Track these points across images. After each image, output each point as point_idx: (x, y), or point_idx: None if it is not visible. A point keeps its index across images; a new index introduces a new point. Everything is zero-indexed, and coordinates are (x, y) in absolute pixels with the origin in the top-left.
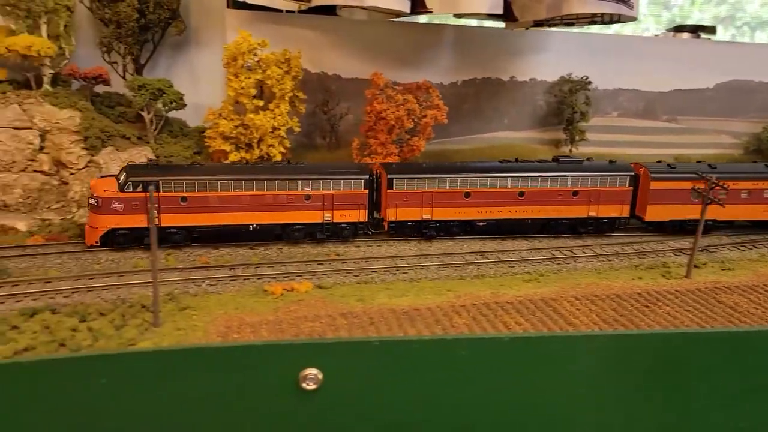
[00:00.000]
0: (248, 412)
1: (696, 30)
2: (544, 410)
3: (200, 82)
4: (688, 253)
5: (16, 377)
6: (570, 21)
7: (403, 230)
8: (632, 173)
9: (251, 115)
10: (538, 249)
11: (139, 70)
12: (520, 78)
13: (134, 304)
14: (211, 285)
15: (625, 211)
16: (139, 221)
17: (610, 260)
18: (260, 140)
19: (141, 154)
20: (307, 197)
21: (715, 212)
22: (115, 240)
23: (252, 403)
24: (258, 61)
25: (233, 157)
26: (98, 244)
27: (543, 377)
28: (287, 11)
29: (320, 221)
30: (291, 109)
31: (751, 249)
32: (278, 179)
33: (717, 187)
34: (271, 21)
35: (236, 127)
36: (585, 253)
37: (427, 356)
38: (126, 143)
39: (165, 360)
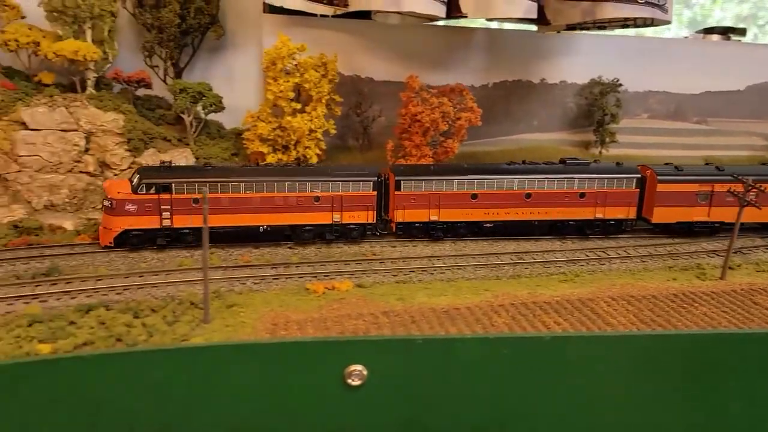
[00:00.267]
0: (295, 406)
1: (726, 32)
2: (583, 408)
3: (235, 85)
4: (722, 254)
5: (83, 369)
6: (602, 24)
7: (411, 231)
8: (639, 175)
9: (289, 118)
10: (572, 250)
11: (178, 74)
12: (551, 80)
13: (183, 301)
14: (255, 283)
15: (631, 212)
16: (151, 222)
17: (644, 261)
18: (297, 142)
19: (181, 156)
20: (317, 199)
21: (723, 215)
22: (128, 241)
23: (299, 397)
24: (296, 65)
25: (270, 158)
26: (112, 245)
27: (582, 376)
28: (321, 15)
29: (329, 222)
30: (327, 112)
31: None
32: (288, 181)
33: (753, 190)
34: (305, 25)
35: (274, 129)
36: (619, 254)
37: (470, 354)
38: (167, 145)
39: (217, 355)
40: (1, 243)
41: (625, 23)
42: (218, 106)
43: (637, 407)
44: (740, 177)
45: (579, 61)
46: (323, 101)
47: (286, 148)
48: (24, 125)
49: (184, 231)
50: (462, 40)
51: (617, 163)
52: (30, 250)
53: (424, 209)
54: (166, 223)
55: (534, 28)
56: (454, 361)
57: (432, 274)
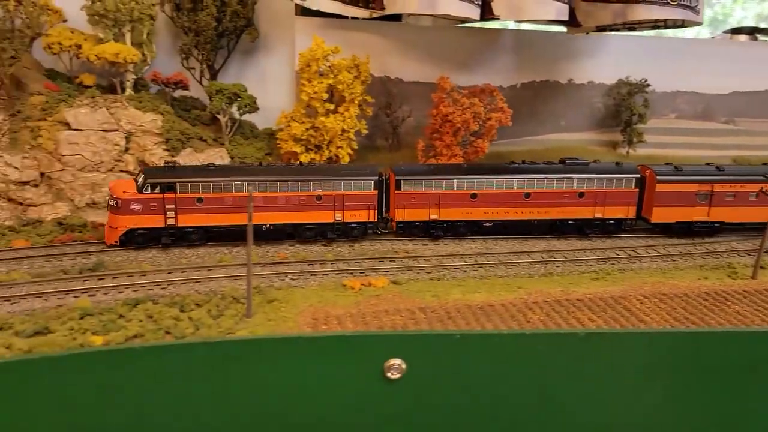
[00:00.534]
0: (337, 398)
1: (753, 32)
2: (619, 403)
3: (267, 86)
4: (753, 254)
5: (130, 360)
6: (632, 26)
7: (411, 230)
8: (638, 175)
9: (322, 118)
10: (602, 249)
11: (213, 76)
12: (578, 81)
13: (225, 296)
14: (294, 279)
15: (631, 212)
16: (156, 221)
17: (674, 260)
18: (330, 142)
19: (217, 155)
20: (319, 198)
21: (723, 215)
22: (133, 239)
23: (340, 389)
24: (330, 67)
25: (304, 158)
26: (117, 244)
27: (618, 371)
28: (352, 18)
29: (331, 221)
30: (359, 112)
31: None
32: (290, 181)
33: None
34: (336, 27)
35: (307, 129)
36: (648, 253)
37: (506, 350)
38: (203, 145)
39: (262, 348)
40: (46, 239)
41: (655, 25)
42: (253, 106)
43: (675, 402)
44: None
45: (607, 62)
46: (356, 102)
47: (318, 148)
48: (67, 125)
49: (188, 230)
50: (490, 41)
51: (617, 163)
52: (75, 246)
53: (424, 208)
54: (171, 222)
55: (563, 29)
56: (491, 355)
57: (465, 271)
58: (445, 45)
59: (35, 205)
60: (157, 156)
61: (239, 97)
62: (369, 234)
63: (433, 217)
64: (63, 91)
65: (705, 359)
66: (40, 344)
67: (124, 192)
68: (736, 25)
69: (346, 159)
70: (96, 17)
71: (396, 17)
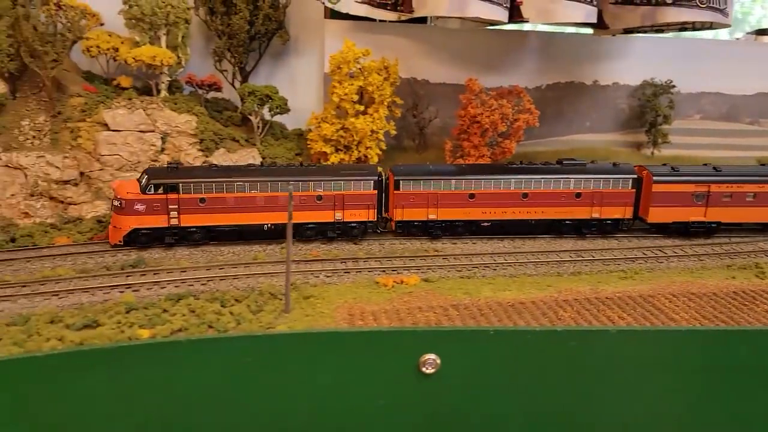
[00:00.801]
0: (373, 391)
1: None
2: (650, 400)
3: (297, 88)
4: None
5: (174, 353)
6: (660, 28)
7: (410, 230)
8: (635, 176)
9: (352, 119)
10: (630, 248)
11: (245, 78)
12: (603, 82)
13: (263, 292)
14: (328, 276)
15: (628, 212)
16: (159, 221)
17: (701, 260)
18: (359, 143)
19: (249, 156)
20: (319, 197)
21: (720, 215)
22: (137, 239)
23: (376, 383)
24: (360, 69)
25: (333, 158)
26: (122, 243)
27: (649, 368)
28: (380, 20)
29: (331, 221)
30: (388, 114)
31: None
32: (292, 181)
33: None
34: (365, 30)
35: (337, 130)
36: (676, 252)
37: (539, 346)
38: (236, 145)
39: (302, 342)
40: (87, 236)
41: (683, 27)
42: (284, 108)
43: (707, 400)
44: None
45: (632, 63)
46: (385, 103)
47: (348, 149)
48: (106, 126)
49: (191, 229)
50: (516, 43)
51: (614, 164)
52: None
53: (423, 208)
54: (174, 222)
55: (590, 31)
56: (524, 351)
57: (495, 270)
58: (470, 47)
59: (75, 204)
60: (192, 156)
61: (271, 98)
62: (369, 233)
63: (432, 216)
64: (101, 93)
65: (737, 357)
66: (91, 337)
67: (128, 192)
68: (756, 24)
69: (375, 159)
70: (133, 21)
71: (421, 20)
